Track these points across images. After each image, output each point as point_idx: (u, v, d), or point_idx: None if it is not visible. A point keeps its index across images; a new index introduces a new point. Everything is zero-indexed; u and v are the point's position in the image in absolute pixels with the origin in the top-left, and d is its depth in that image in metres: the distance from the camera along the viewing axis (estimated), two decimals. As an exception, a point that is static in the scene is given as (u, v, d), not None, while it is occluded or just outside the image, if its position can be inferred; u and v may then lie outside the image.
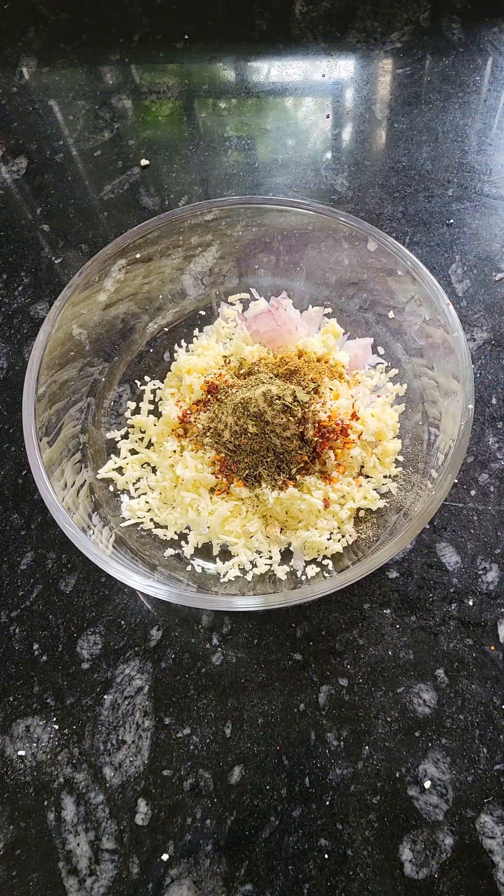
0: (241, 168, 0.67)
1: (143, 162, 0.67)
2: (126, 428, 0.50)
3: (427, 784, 0.38)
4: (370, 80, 0.72)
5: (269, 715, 0.41)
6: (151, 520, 0.46)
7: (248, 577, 0.43)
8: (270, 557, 0.44)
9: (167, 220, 0.49)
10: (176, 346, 0.53)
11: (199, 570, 0.44)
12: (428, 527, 0.46)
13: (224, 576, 0.43)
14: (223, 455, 0.45)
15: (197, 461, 0.45)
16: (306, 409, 0.44)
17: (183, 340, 0.53)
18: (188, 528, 0.45)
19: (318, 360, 0.48)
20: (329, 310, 0.53)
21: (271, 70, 0.75)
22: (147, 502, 0.46)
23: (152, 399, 0.51)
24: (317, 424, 0.44)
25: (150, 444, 0.49)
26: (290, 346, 0.50)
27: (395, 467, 0.46)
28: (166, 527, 0.46)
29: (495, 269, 0.58)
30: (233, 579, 0.43)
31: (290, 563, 0.44)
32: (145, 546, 0.45)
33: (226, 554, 0.45)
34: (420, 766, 0.39)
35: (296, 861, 0.37)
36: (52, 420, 0.44)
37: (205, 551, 0.45)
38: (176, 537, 0.45)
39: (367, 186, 0.64)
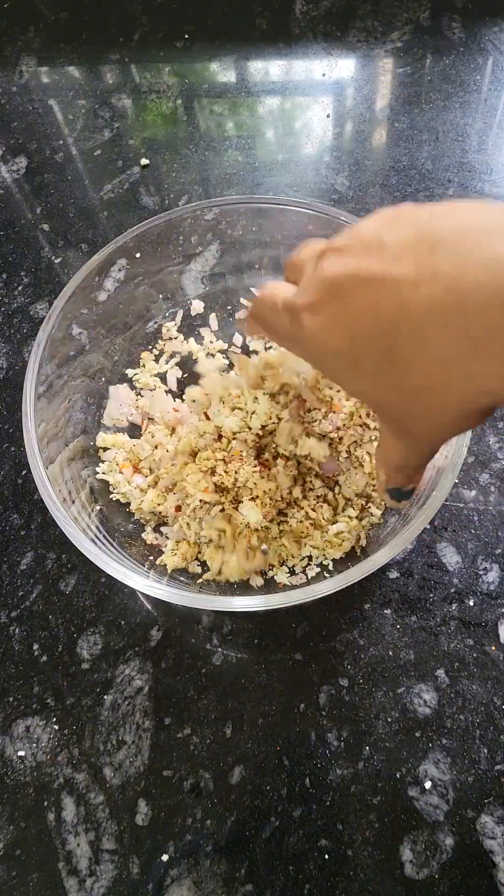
0: (241, 167, 0.67)
1: (143, 161, 0.67)
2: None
3: (427, 784, 0.38)
4: (370, 80, 0.72)
5: (270, 715, 0.41)
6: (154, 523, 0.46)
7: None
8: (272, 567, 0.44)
9: (167, 220, 0.49)
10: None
11: (198, 569, 0.44)
12: (428, 527, 0.46)
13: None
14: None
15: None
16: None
17: (185, 338, 0.53)
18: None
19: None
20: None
21: (271, 69, 0.75)
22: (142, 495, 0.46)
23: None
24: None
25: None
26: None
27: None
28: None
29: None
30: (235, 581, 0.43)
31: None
32: (145, 546, 0.45)
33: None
34: (420, 766, 0.39)
35: (296, 861, 0.37)
36: (51, 419, 0.44)
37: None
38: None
39: (367, 186, 0.64)
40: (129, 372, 0.52)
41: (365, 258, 0.25)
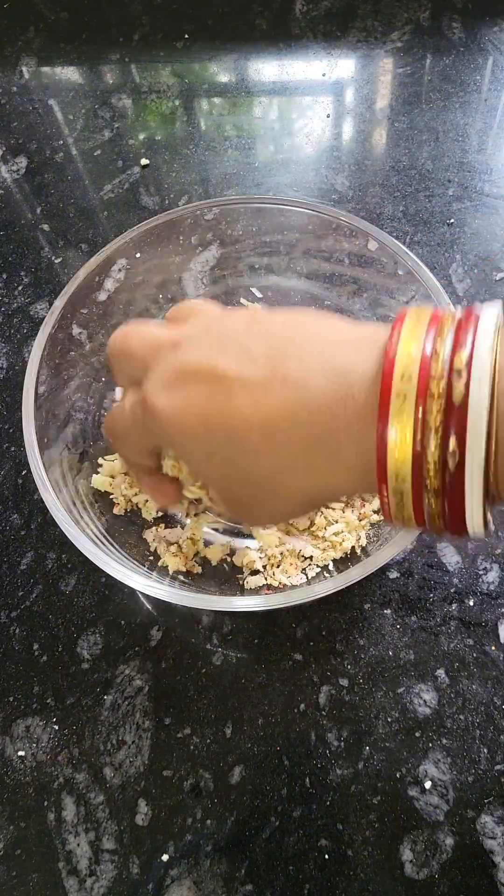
0: (241, 167, 0.67)
1: (143, 161, 0.67)
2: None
3: (427, 784, 0.38)
4: (370, 80, 0.72)
5: (270, 715, 0.41)
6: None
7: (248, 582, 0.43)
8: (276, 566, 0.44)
9: (167, 220, 0.49)
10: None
11: (199, 569, 0.44)
12: (428, 527, 0.46)
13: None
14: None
15: None
16: None
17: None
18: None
19: None
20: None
21: (271, 69, 0.75)
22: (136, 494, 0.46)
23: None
24: None
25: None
26: None
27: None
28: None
29: (496, 268, 0.58)
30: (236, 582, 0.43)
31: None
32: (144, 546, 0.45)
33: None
34: (420, 766, 0.39)
35: (296, 861, 0.37)
36: (52, 420, 0.44)
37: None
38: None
39: (367, 186, 0.64)
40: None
41: (222, 356, 0.27)
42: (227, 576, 0.44)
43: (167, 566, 0.43)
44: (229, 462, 0.27)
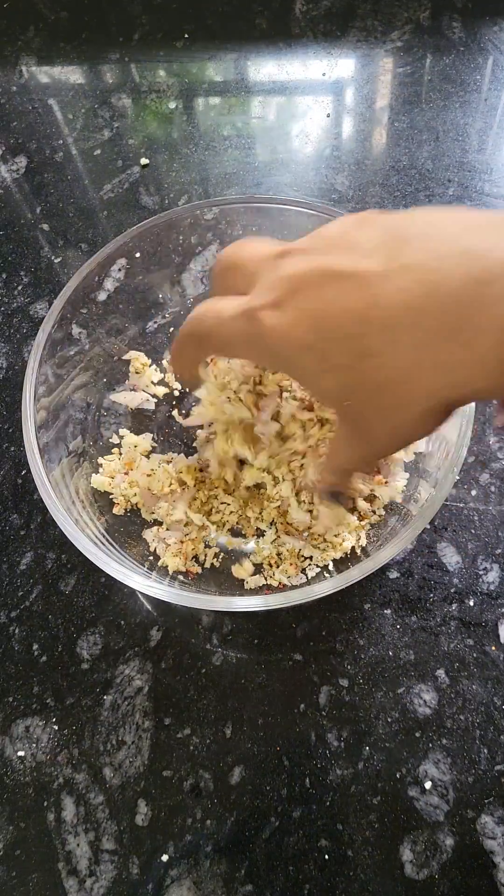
0: (241, 167, 0.67)
1: (143, 161, 0.67)
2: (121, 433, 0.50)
3: (427, 785, 0.38)
4: (370, 79, 0.72)
5: (270, 715, 0.41)
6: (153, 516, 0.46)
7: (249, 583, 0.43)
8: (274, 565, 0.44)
9: (167, 220, 0.49)
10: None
11: (198, 569, 0.44)
12: (428, 527, 0.46)
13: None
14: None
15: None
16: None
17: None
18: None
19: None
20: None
21: (271, 69, 0.74)
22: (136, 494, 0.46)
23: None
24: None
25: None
26: None
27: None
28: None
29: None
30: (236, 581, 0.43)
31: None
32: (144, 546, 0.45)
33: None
34: (420, 766, 0.39)
35: (296, 861, 0.37)
36: (51, 420, 0.44)
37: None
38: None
39: (367, 185, 0.64)
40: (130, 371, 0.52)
41: (333, 255, 0.25)
42: (227, 576, 0.44)
43: (167, 566, 0.43)
44: (346, 370, 0.25)
